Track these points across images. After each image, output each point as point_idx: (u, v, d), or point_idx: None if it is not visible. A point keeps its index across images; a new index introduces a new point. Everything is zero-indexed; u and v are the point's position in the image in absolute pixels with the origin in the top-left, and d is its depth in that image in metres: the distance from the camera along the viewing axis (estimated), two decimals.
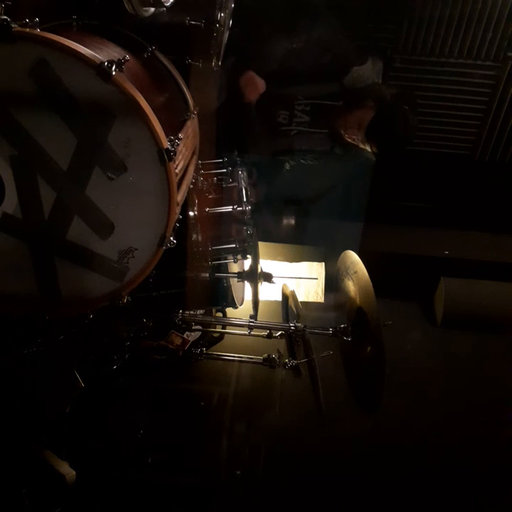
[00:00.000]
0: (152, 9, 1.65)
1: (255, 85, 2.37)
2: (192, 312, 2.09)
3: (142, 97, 1.30)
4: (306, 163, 2.64)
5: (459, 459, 2.36)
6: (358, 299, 2.00)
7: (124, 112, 1.31)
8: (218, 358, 2.30)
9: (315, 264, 2.85)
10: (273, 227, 2.84)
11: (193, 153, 1.89)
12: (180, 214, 1.64)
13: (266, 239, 2.61)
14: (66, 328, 1.80)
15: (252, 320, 2.01)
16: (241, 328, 2.14)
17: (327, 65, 2.44)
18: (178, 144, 1.42)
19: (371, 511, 2.25)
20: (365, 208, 2.63)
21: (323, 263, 2.84)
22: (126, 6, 1.54)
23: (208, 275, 1.96)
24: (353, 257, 2.07)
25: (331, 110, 2.52)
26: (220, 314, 2.26)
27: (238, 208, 1.91)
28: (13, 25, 1.22)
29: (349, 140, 2.50)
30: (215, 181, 2.10)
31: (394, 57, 2.81)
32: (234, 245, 1.90)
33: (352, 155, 2.60)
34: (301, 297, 2.66)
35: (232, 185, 2.05)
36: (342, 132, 2.50)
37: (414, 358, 2.66)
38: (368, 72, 2.63)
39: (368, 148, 2.48)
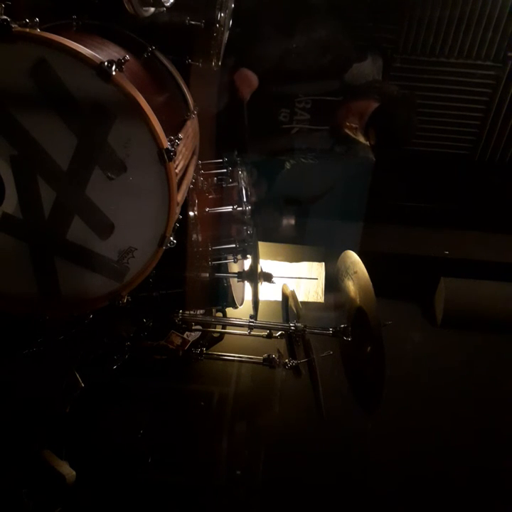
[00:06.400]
0: (152, 9, 1.66)
1: (248, 82, 2.35)
2: (192, 312, 2.09)
3: (142, 97, 1.31)
4: (307, 162, 2.64)
5: (459, 459, 2.36)
6: (358, 299, 2.00)
7: (124, 112, 1.31)
8: (218, 358, 2.29)
9: (315, 264, 2.85)
10: (273, 227, 2.83)
11: (193, 153, 1.89)
12: (180, 214, 1.64)
13: (266, 239, 2.61)
14: (66, 328, 1.81)
15: (252, 320, 2.01)
16: (241, 328, 2.14)
17: (327, 64, 2.44)
18: (178, 144, 1.42)
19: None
20: (365, 207, 2.63)
21: (323, 263, 2.84)
22: (126, 6, 1.54)
23: (208, 275, 1.96)
24: (353, 257, 2.07)
25: (332, 106, 2.52)
26: (220, 314, 2.26)
27: (238, 208, 1.91)
28: (13, 25, 1.22)
29: (347, 131, 2.48)
30: (215, 181, 2.10)
31: (394, 57, 2.81)
32: (234, 245, 1.90)
33: (352, 154, 2.59)
34: (301, 297, 2.66)
35: (232, 185, 2.05)
36: (342, 122, 2.49)
37: (414, 358, 2.66)
38: (367, 68, 2.63)
39: (363, 141, 2.46)
